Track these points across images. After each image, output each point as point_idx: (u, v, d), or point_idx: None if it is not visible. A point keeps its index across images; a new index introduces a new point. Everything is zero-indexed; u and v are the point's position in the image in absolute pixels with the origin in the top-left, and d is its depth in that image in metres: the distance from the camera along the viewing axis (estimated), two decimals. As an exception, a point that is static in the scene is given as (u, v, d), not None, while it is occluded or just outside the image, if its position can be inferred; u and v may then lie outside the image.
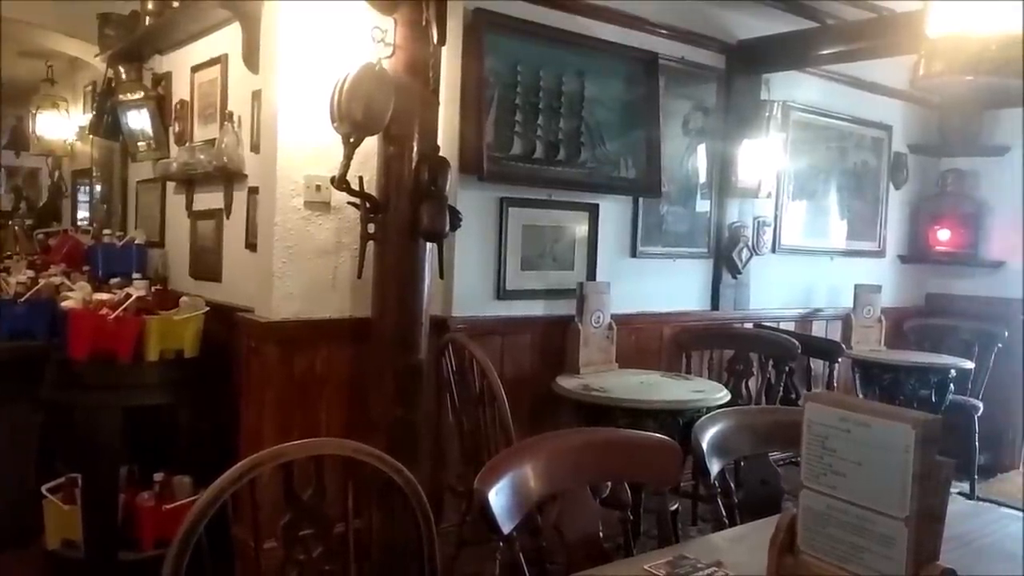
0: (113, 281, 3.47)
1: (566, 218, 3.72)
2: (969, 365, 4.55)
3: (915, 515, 1.04)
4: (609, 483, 1.73)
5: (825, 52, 4.24)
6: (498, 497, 1.45)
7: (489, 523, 1.44)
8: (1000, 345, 4.81)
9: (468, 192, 3.31)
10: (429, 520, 1.52)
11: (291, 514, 1.47)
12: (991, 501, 3.85)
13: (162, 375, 3.01)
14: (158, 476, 3.10)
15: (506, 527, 1.45)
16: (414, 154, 2.82)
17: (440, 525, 3.07)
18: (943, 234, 5.36)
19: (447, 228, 2.88)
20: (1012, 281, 5.17)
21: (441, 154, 2.89)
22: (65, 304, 3.05)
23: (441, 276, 3.01)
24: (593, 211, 3.80)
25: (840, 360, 4.38)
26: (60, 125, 5.70)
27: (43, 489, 3.12)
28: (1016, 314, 5.09)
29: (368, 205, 2.83)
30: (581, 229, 3.78)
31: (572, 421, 3.22)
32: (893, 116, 5.25)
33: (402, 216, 2.82)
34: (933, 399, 4.39)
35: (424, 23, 2.79)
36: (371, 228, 2.85)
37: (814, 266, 4.92)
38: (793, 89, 4.57)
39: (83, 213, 6.09)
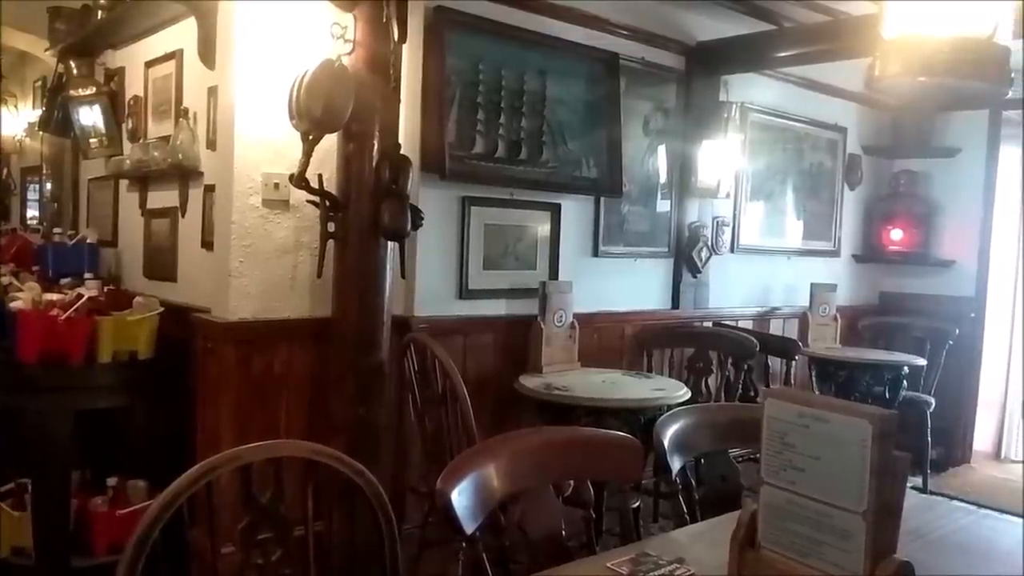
0: (64, 281, 3.39)
1: (528, 217, 3.72)
2: (921, 362, 4.65)
3: (873, 509, 1.05)
4: (572, 481, 1.73)
5: (782, 54, 4.30)
6: (461, 497, 1.44)
7: (452, 524, 1.43)
8: (951, 342, 4.93)
9: (430, 191, 3.28)
10: (391, 521, 1.50)
11: (249, 518, 1.44)
12: (943, 495, 3.95)
13: (115, 377, 2.95)
14: (111, 480, 3.04)
15: (469, 527, 1.44)
16: (375, 152, 2.80)
17: (402, 526, 3.05)
18: (896, 234, 5.48)
19: (408, 227, 2.86)
20: (962, 280, 5.31)
21: (402, 152, 2.87)
22: (14, 305, 2.97)
23: (403, 276, 2.98)
24: (555, 210, 3.80)
25: (797, 358, 4.46)
26: (8, 121, 5.55)
27: (-9, 496, 3.03)
28: (966, 312, 5.23)
29: (328, 203, 2.79)
30: (543, 228, 3.78)
31: (535, 420, 3.22)
32: (848, 118, 5.35)
33: (363, 215, 2.80)
34: (887, 395, 4.48)
35: (384, 20, 2.76)
36: (331, 227, 2.81)
37: (771, 265, 4.99)
38: (751, 91, 4.63)
39: (33, 212, 5.95)
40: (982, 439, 5.42)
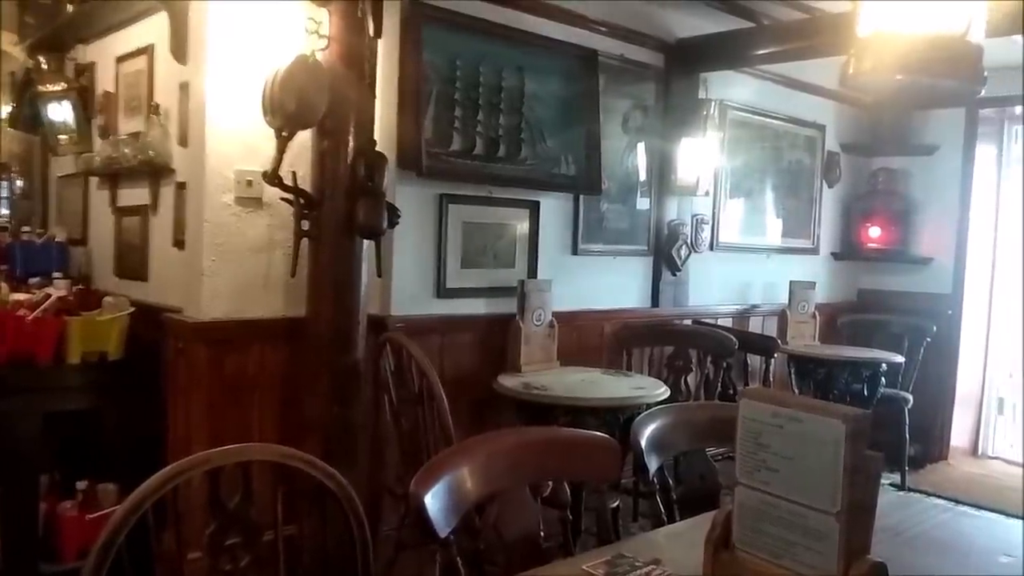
0: (32, 281, 3.35)
1: (507, 215, 3.70)
2: (899, 359, 4.68)
3: (846, 509, 1.04)
4: (549, 482, 1.71)
5: (761, 52, 4.30)
6: (434, 500, 1.42)
7: (425, 527, 1.41)
8: (929, 339, 4.97)
9: (406, 188, 3.25)
10: (363, 525, 1.48)
11: (217, 522, 1.41)
12: (921, 492, 3.97)
13: (84, 378, 2.92)
14: (81, 484, 3.00)
15: (443, 531, 1.42)
16: (350, 149, 2.77)
17: (379, 528, 3.02)
18: (874, 231, 5.51)
19: (384, 225, 2.83)
20: (940, 277, 5.35)
21: (378, 149, 2.84)
22: (-20, 305, 2.91)
23: (379, 274, 2.95)
24: (534, 208, 3.78)
25: (776, 355, 4.47)
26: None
27: (-43, 500, 2.97)
28: (944, 309, 5.27)
29: (302, 201, 2.76)
30: (522, 226, 3.76)
31: (513, 420, 3.20)
32: (826, 116, 5.37)
33: (338, 213, 2.77)
34: (865, 392, 4.50)
35: (360, 15, 2.73)
36: (305, 225, 2.78)
37: (751, 263, 5.00)
38: (730, 88, 4.63)
39: (2, 210, 5.83)
40: (959, 435, 5.47)
